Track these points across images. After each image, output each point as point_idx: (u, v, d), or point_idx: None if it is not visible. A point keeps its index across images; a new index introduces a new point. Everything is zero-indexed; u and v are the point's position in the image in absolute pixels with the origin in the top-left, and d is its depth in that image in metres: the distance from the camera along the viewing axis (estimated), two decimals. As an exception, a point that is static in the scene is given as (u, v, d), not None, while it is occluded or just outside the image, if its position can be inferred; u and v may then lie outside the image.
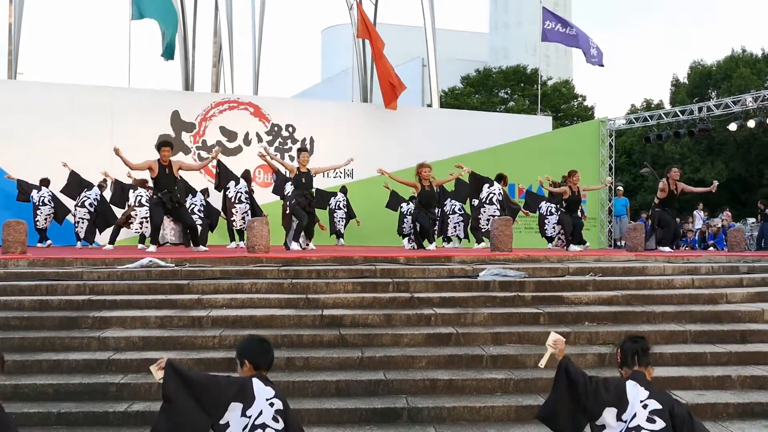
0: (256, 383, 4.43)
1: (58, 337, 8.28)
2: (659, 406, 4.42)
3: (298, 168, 14.33)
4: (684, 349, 8.58)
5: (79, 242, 17.17)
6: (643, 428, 4.37)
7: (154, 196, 13.60)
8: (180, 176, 13.99)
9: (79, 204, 17.00)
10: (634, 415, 4.40)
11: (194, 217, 17.83)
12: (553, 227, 17.58)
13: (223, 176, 16.70)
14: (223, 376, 4.56)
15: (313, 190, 15.18)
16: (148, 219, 14.39)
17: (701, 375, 7.97)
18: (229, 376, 4.60)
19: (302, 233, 14.54)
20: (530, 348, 8.41)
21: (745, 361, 8.40)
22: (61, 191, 17.35)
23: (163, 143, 13.46)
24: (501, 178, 16.56)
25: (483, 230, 16.56)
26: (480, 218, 16.56)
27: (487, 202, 16.24)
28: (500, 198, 16.20)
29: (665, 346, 8.59)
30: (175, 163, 13.64)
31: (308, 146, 21.52)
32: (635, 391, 4.48)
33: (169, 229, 14.28)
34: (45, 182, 17.51)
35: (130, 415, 6.91)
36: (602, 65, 24.34)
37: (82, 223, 16.97)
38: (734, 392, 7.74)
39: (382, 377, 7.65)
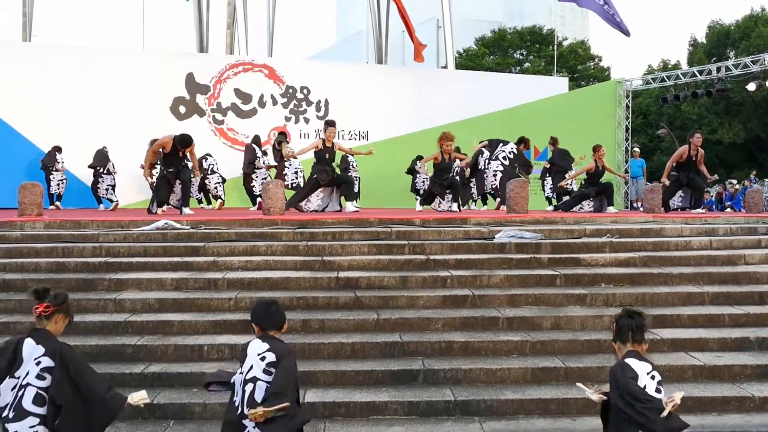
0: (254, 343, 4.64)
1: (75, 299, 8.25)
2: (659, 378, 4.54)
3: (323, 141, 14.24)
4: (702, 310, 8.52)
5: (101, 205, 17.37)
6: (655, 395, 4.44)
7: (162, 171, 13.74)
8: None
9: (105, 171, 17.24)
10: (645, 387, 4.44)
11: (214, 176, 18.10)
12: (551, 189, 17.64)
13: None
14: None
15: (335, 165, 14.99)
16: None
17: (719, 337, 7.91)
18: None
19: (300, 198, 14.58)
20: (546, 310, 8.39)
21: (763, 322, 8.33)
22: (88, 167, 17.42)
23: (184, 144, 13.37)
24: (522, 141, 16.53)
25: (487, 189, 16.63)
26: (485, 178, 16.65)
27: (493, 158, 16.21)
28: (510, 156, 16.12)
29: (683, 308, 8.55)
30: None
31: (323, 108, 21.47)
32: (640, 365, 4.54)
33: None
34: (57, 149, 17.60)
35: (146, 376, 6.96)
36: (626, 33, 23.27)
37: (112, 189, 17.34)
38: (752, 354, 7.70)
39: (398, 339, 7.65)
